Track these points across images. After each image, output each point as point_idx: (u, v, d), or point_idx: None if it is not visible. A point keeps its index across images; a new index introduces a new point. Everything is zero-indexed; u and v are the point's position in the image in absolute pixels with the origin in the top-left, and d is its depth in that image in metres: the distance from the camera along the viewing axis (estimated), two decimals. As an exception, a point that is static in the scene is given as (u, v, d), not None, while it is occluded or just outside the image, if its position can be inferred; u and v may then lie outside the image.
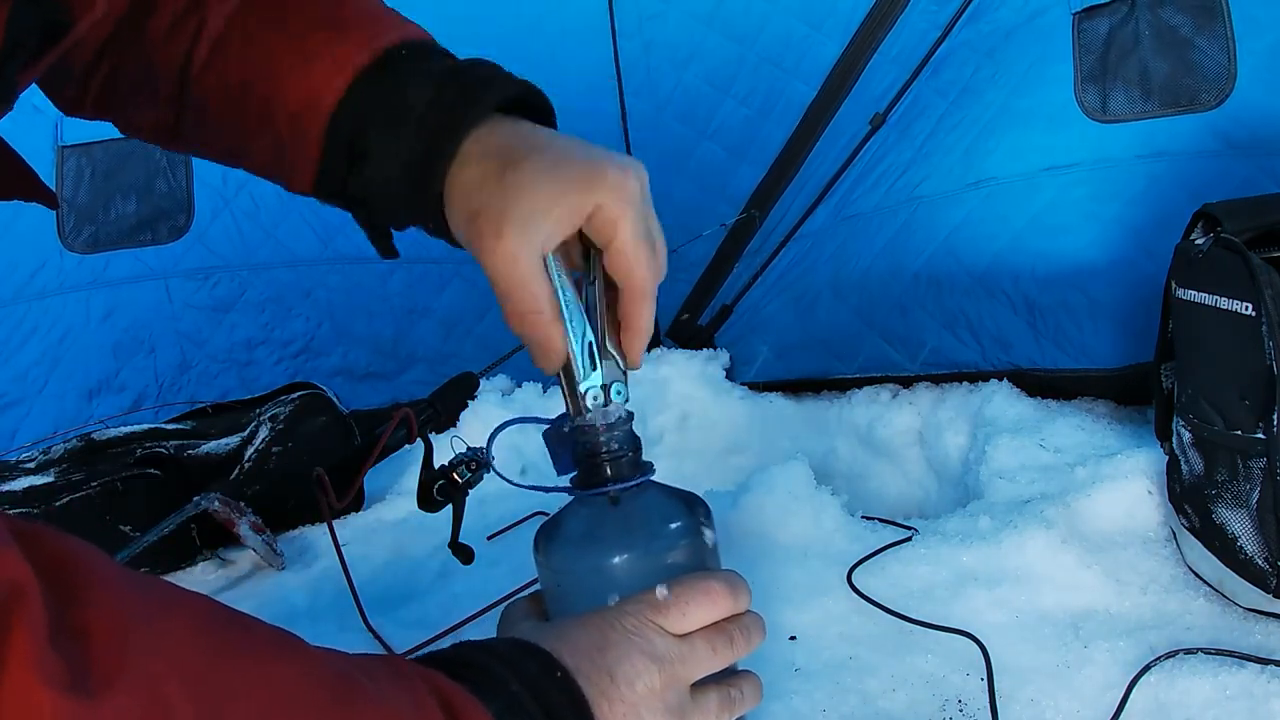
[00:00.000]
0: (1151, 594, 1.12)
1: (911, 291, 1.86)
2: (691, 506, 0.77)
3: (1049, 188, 1.65)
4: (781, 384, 2.12)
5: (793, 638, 1.13)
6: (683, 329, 2.27)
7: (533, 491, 0.84)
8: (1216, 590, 1.08)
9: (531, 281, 0.62)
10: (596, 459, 0.74)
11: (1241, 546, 1.01)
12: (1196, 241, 1.12)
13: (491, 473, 0.94)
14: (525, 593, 0.90)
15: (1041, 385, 1.69)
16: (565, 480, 0.78)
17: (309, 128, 0.67)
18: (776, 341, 2.13)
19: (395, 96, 0.66)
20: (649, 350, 2.22)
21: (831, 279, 2.00)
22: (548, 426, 0.79)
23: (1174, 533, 1.18)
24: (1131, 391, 1.58)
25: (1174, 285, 1.16)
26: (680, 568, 0.72)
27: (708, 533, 0.76)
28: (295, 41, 0.68)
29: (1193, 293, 1.09)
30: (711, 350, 2.22)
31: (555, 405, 2.03)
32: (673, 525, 0.74)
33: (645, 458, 0.77)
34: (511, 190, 0.62)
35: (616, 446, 0.73)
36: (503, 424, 0.87)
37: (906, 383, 1.91)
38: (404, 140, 0.66)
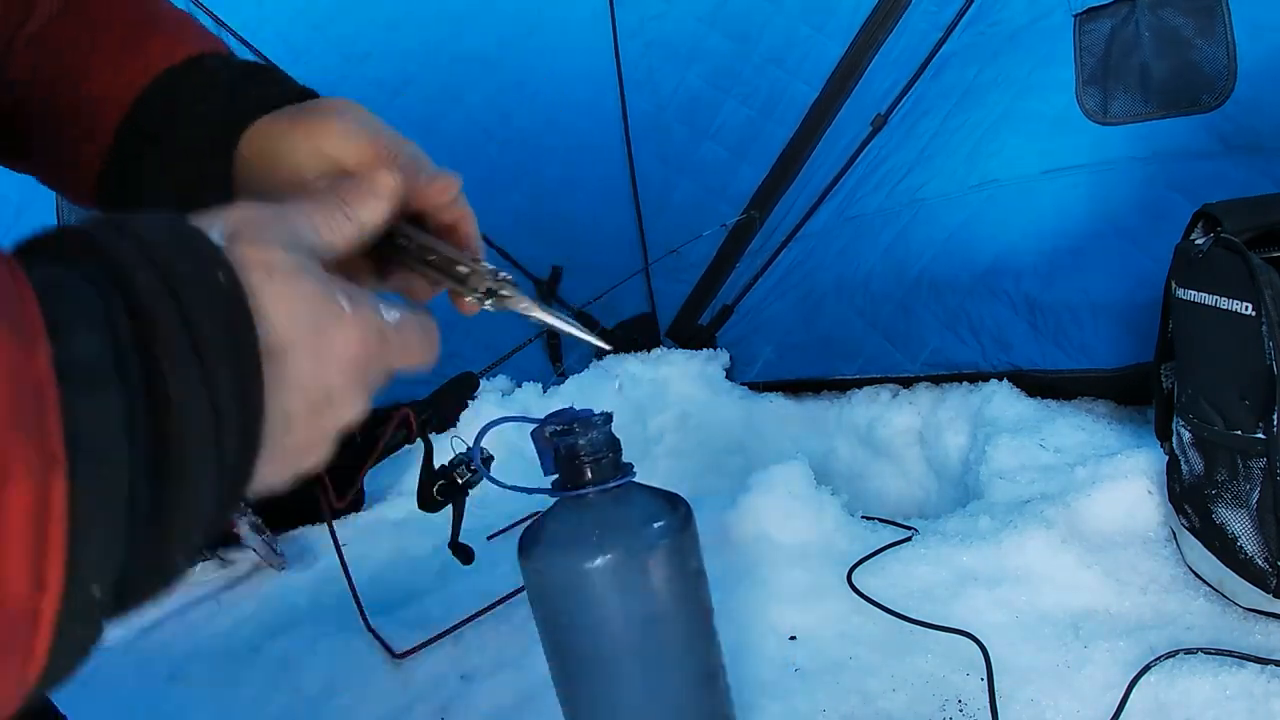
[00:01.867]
0: (1151, 594, 1.12)
1: (914, 292, 1.86)
2: (673, 506, 0.77)
3: (1051, 190, 1.65)
4: (781, 384, 2.12)
5: (793, 638, 1.13)
6: (683, 329, 2.28)
7: (529, 493, 0.84)
8: (1216, 590, 1.08)
9: None
10: (577, 461, 0.74)
11: (1241, 546, 1.01)
12: (1196, 241, 1.12)
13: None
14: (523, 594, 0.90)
15: (1041, 385, 1.69)
16: (550, 481, 0.78)
17: (107, 117, 0.67)
18: (779, 342, 2.13)
19: (200, 83, 0.67)
20: (649, 350, 2.22)
21: (836, 280, 2.01)
22: (535, 427, 0.79)
23: (1174, 533, 1.18)
24: (1131, 391, 1.58)
25: (1174, 285, 1.16)
26: (662, 568, 0.72)
27: (689, 532, 0.76)
28: (109, 39, 0.69)
29: (1193, 293, 1.09)
30: (712, 350, 2.22)
31: (555, 405, 2.03)
32: (654, 525, 0.74)
33: (626, 459, 0.77)
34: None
35: (596, 450, 0.74)
36: (490, 423, 0.87)
37: (906, 383, 1.91)
38: (208, 111, 0.65)
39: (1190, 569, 1.13)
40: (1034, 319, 1.67)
